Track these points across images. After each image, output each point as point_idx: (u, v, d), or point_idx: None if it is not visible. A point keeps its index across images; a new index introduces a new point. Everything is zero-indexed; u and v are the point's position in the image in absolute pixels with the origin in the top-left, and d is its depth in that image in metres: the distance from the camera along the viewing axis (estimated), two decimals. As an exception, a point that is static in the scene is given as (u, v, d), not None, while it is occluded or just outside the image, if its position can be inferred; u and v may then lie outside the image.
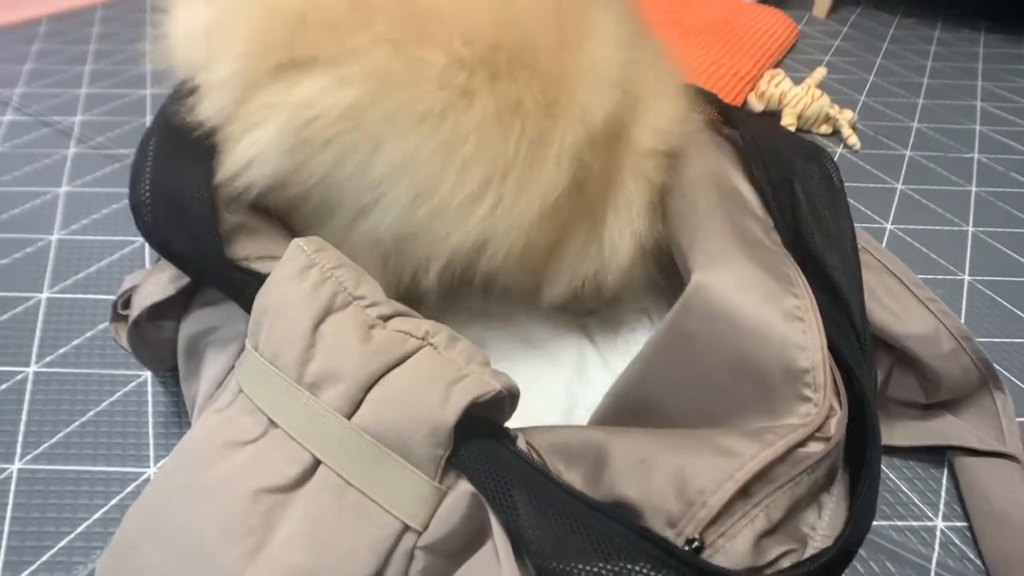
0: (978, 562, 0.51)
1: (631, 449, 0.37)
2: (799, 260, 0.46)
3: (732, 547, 0.34)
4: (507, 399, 0.37)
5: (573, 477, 0.37)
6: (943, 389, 0.54)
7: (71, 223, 0.76)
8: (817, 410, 0.39)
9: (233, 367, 0.43)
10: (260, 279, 0.40)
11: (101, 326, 0.64)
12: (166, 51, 0.44)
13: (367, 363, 0.36)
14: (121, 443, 0.54)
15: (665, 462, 0.36)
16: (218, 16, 0.43)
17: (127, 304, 0.61)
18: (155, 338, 0.50)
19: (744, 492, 0.35)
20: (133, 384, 0.58)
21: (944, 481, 0.57)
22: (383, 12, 0.42)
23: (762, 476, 0.36)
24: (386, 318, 0.40)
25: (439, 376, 0.36)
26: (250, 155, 0.42)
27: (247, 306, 0.40)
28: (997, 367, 0.58)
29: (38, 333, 0.63)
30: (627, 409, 0.46)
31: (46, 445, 0.54)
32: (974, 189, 0.94)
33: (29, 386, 0.58)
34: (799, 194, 0.49)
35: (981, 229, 0.87)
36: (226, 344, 0.44)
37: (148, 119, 0.96)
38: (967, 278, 0.79)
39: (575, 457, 0.38)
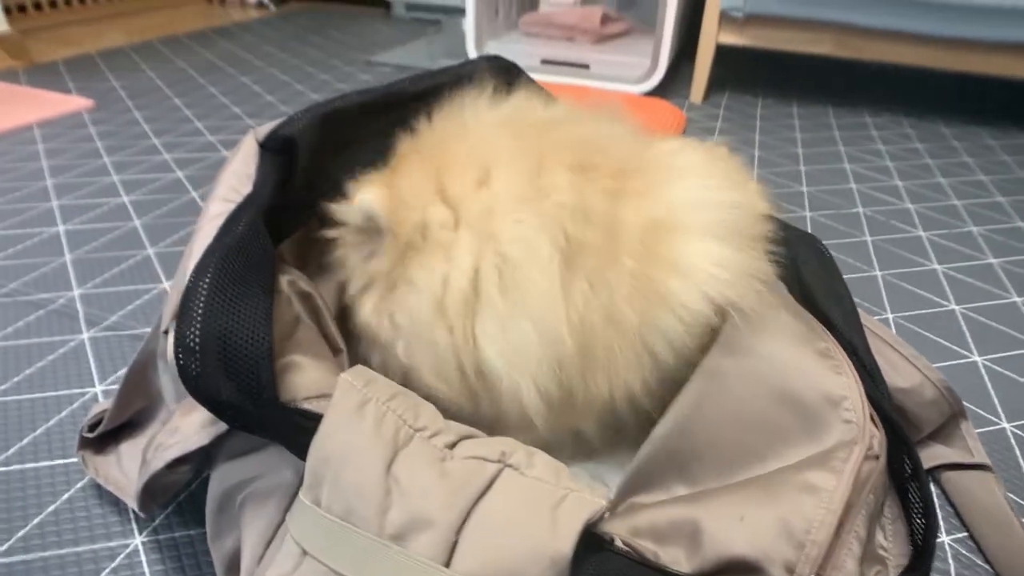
0: (986, 566, 0.55)
1: (723, 511, 0.38)
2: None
3: (842, 577, 0.36)
4: (606, 509, 0.36)
5: (675, 555, 0.37)
6: (924, 428, 0.61)
7: (1, 382, 0.68)
8: (859, 428, 0.41)
9: (281, 522, 0.40)
10: (315, 421, 0.37)
11: (65, 496, 0.56)
12: None
13: (452, 502, 0.35)
14: (126, 628, 0.47)
15: (763, 514, 0.37)
16: None
17: (94, 428, 0.54)
18: (164, 484, 0.45)
19: (839, 524, 0.37)
20: (122, 556, 0.51)
21: (936, 500, 0.61)
22: None
23: (847, 505, 0.38)
24: (452, 445, 0.38)
25: (535, 501, 0.35)
26: None
27: (300, 452, 0.38)
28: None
29: (-13, 517, 0.54)
30: (671, 454, 0.46)
31: (30, 649, 0.45)
32: (869, 239, 1.07)
33: (-10, 582, 0.49)
34: (801, 267, 0.54)
35: (888, 272, 0.97)
36: (268, 496, 0.40)
37: (67, 258, 0.89)
38: (891, 316, 0.87)
39: (666, 536, 0.38)
